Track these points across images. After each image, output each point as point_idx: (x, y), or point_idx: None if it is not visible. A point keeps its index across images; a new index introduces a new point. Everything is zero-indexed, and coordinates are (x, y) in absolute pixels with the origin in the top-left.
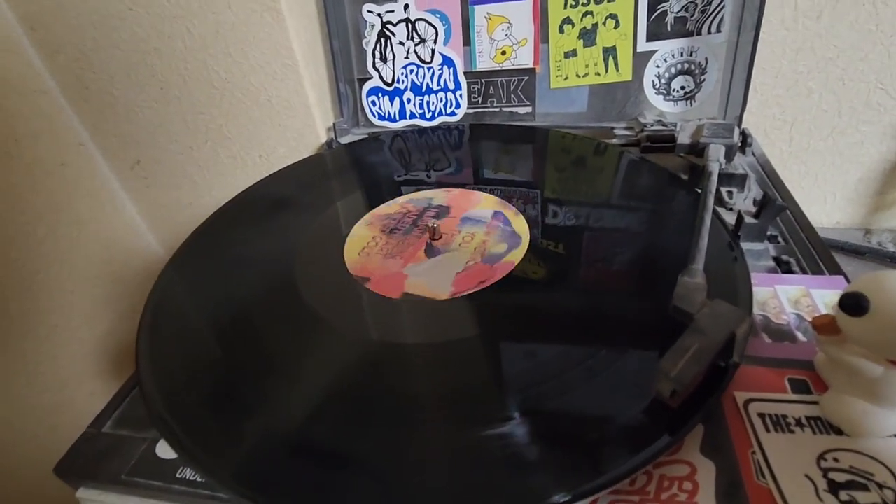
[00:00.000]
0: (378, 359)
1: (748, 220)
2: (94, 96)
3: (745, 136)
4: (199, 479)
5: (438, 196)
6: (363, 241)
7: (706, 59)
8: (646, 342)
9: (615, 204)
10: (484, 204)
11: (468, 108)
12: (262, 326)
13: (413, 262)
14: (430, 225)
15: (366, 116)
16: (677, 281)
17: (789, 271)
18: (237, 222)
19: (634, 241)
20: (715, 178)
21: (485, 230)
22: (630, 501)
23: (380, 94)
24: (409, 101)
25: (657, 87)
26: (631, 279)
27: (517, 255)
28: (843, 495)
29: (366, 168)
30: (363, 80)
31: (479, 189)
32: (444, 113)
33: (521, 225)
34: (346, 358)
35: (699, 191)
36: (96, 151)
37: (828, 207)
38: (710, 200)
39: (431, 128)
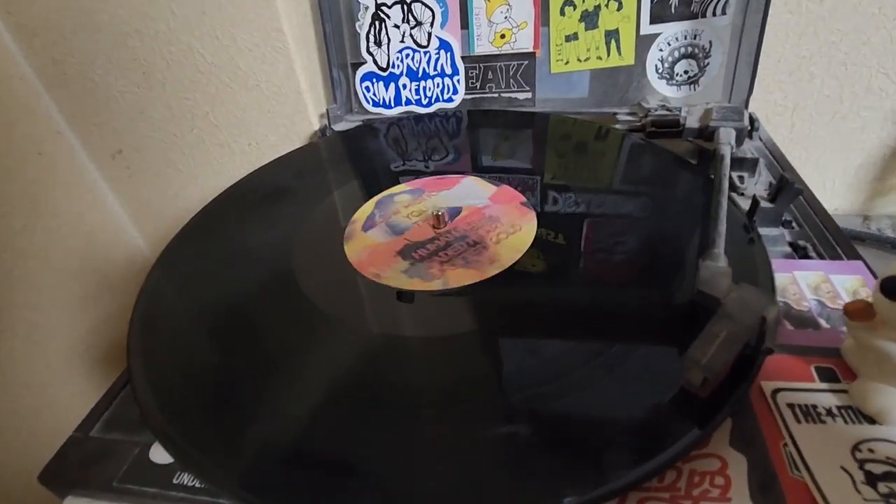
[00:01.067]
0: (377, 353)
1: (764, 204)
2: (73, 81)
3: (752, 120)
4: (198, 485)
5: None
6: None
7: (710, 42)
8: (663, 331)
9: (625, 191)
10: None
11: (466, 93)
12: (258, 320)
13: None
14: (437, 213)
15: (359, 103)
16: (699, 265)
17: (806, 256)
18: (233, 213)
19: (646, 228)
20: (728, 161)
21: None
22: (661, 499)
23: (374, 80)
24: (404, 86)
25: (660, 71)
26: (645, 267)
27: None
28: (882, 487)
29: (369, 156)
30: (356, 65)
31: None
32: (441, 99)
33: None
34: (343, 351)
35: (712, 175)
36: (75, 140)
37: (827, 193)
38: (726, 184)
39: (429, 115)
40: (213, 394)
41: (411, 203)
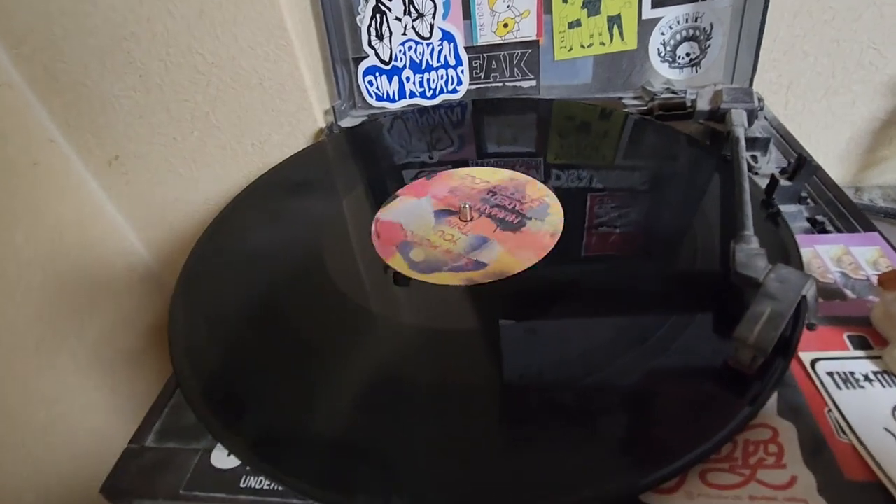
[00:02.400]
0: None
1: (783, 182)
2: (66, 88)
3: (759, 99)
4: (266, 487)
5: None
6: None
7: (711, 24)
8: (703, 313)
9: (642, 173)
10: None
11: (470, 84)
12: (295, 310)
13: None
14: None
15: (363, 97)
16: (732, 248)
17: (824, 231)
18: (258, 208)
19: (674, 210)
20: (743, 143)
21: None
22: (720, 469)
23: (377, 74)
24: (408, 79)
25: (662, 54)
26: (681, 249)
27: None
28: None
29: (390, 152)
30: (358, 60)
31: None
32: (445, 90)
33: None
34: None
35: (727, 155)
36: (69, 148)
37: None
38: (744, 165)
39: (436, 106)
40: (266, 392)
41: (430, 246)
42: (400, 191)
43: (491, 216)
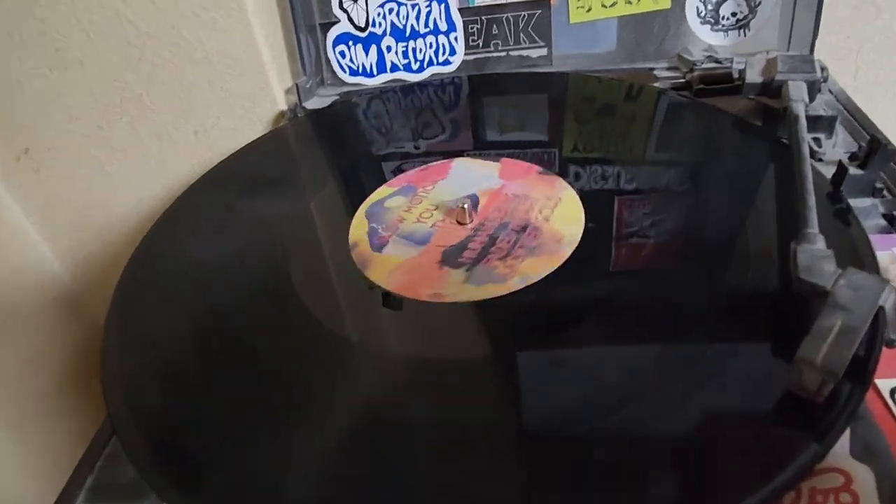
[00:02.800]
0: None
1: (853, 170)
2: None
3: (822, 69)
4: None
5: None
6: None
7: None
8: (758, 330)
9: (683, 164)
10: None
11: (466, 54)
12: (257, 335)
13: None
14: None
15: (333, 72)
16: (793, 250)
17: None
18: (207, 210)
19: (721, 207)
20: (803, 122)
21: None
22: None
23: (350, 43)
24: (389, 49)
25: (702, 14)
26: (728, 254)
27: None
28: None
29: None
30: (327, 26)
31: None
32: (435, 62)
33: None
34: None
35: (785, 140)
36: None
37: None
38: (805, 150)
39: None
40: (229, 439)
41: (410, 205)
42: (505, 159)
43: (473, 238)
